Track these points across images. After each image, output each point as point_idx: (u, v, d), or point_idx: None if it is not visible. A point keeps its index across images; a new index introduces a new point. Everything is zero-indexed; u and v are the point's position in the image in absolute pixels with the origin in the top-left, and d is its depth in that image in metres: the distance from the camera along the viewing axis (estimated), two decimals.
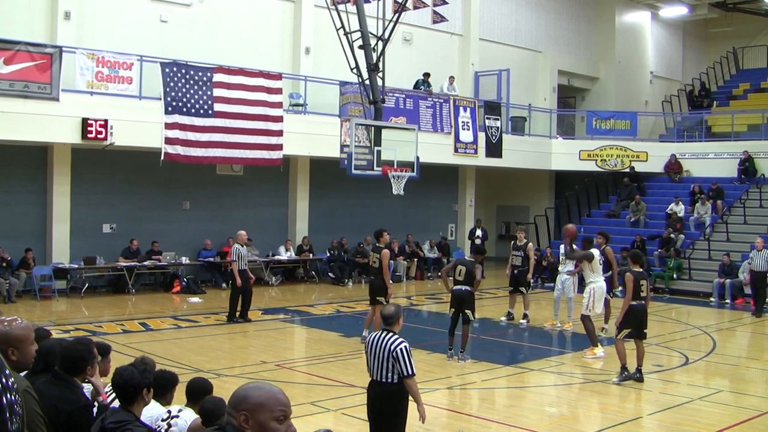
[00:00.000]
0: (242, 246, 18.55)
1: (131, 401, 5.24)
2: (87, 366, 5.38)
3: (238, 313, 18.42)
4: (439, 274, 27.96)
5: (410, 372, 7.87)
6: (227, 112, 21.91)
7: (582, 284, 17.75)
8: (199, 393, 6.80)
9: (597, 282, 15.85)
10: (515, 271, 19.37)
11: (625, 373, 13.25)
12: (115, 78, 20.29)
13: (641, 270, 13.65)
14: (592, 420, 11.58)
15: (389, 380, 7.96)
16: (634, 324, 13.25)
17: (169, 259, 23.21)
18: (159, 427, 6.26)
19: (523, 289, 19.17)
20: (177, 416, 6.29)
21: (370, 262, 16.49)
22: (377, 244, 16.27)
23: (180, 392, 7.07)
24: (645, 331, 13.50)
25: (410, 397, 8.17)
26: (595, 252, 16.16)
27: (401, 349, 7.88)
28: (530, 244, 19.75)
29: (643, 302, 13.34)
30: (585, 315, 15.67)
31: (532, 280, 19.67)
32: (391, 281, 16.58)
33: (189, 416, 6.30)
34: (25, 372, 5.10)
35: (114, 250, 22.55)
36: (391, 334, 8.07)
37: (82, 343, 5.65)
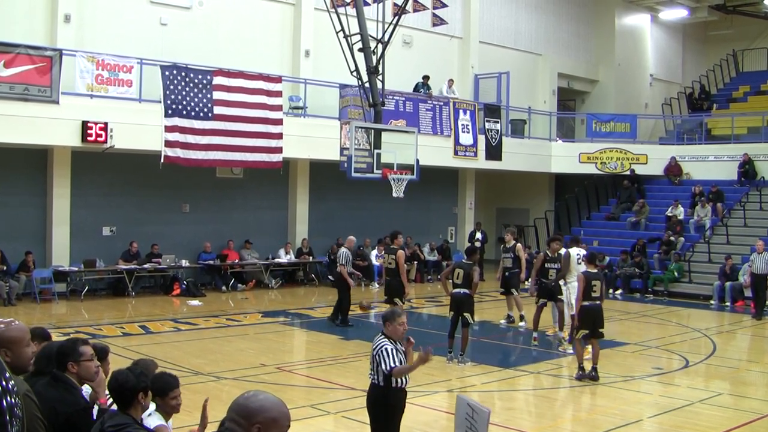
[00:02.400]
0: (349, 250, 18.30)
1: (128, 405, 5.22)
2: (69, 362, 5.34)
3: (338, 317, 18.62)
4: (439, 277, 28.10)
5: (389, 367, 7.82)
6: (227, 115, 21.91)
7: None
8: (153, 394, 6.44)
9: (571, 281, 16.02)
10: (506, 273, 19.34)
11: (580, 372, 13.55)
12: (115, 81, 20.31)
13: (595, 271, 13.79)
14: (592, 423, 11.57)
15: (377, 381, 7.96)
16: (589, 324, 13.49)
17: (168, 261, 23.17)
18: None
19: (513, 290, 19.14)
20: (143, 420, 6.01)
21: (385, 264, 16.73)
22: (392, 246, 16.56)
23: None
24: (601, 330, 13.66)
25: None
26: (572, 251, 16.36)
27: (380, 352, 7.89)
28: (519, 244, 19.67)
29: (597, 302, 13.47)
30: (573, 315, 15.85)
31: (529, 281, 19.57)
32: (375, 282, 16.80)
33: (152, 422, 5.99)
34: (24, 375, 5.10)
35: (114, 252, 22.55)
36: (381, 336, 8.07)
37: (68, 340, 5.65)
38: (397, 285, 16.34)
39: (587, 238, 28.05)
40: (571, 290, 15.85)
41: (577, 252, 16.33)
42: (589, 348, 14.79)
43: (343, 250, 18.48)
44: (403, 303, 16.35)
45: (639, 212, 29.44)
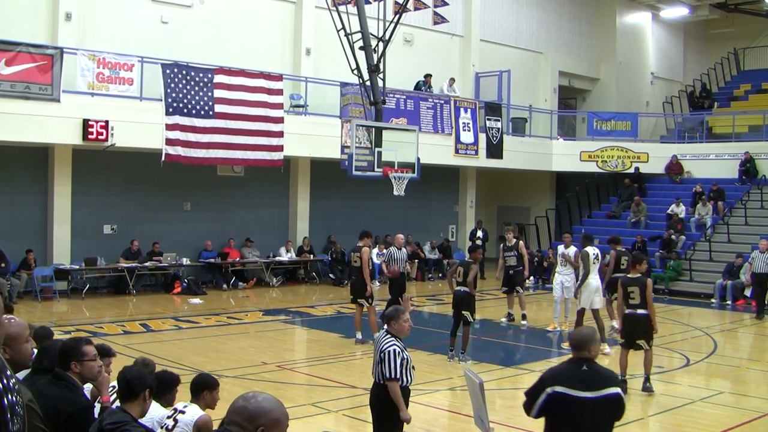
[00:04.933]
0: (398, 249, 17.55)
1: (133, 399, 5.24)
2: (71, 361, 5.35)
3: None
4: (440, 275, 28.14)
5: (391, 375, 7.78)
6: (228, 113, 21.90)
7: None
8: (197, 387, 6.82)
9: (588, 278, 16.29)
10: (510, 272, 19.32)
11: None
12: (115, 79, 20.30)
13: (636, 276, 12.73)
14: None
15: (380, 381, 7.93)
16: (625, 333, 12.84)
17: (169, 260, 23.19)
18: (165, 424, 6.32)
19: (519, 288, 19.15)
20: (183, 411, 6.39)
21: (351, 263, 16.56)
22: (358, 244, 16.44)
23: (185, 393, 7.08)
24: (639, 342, 12.68)
25: (409, 398, 8.16)
26: (590, 250, 16.39)
27: (388, 352, 7.82)
28: (521, 242, 19.71)
29: (637, 311, 12.55)
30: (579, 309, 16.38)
31: (532, 280, 19.62)
32: (376, 281, 16.65)
33: (195, 412, 6.46)
34: (25, 372, 5.11)
35: (115, 251, 22.55)
36: (388, 335, 8.03)
37: (71, 340, 5.67)
38: (362, 284, 16.10)
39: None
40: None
41: (593, 252, 16.48)
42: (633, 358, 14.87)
43: (392, 248, 18.25)
44: (370, 304, 16.16)
45: (636, 211, 29.41)
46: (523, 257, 19.27)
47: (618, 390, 6.31)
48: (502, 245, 19.94)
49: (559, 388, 6.25)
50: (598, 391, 6.20)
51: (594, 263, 16.37)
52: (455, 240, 31.72)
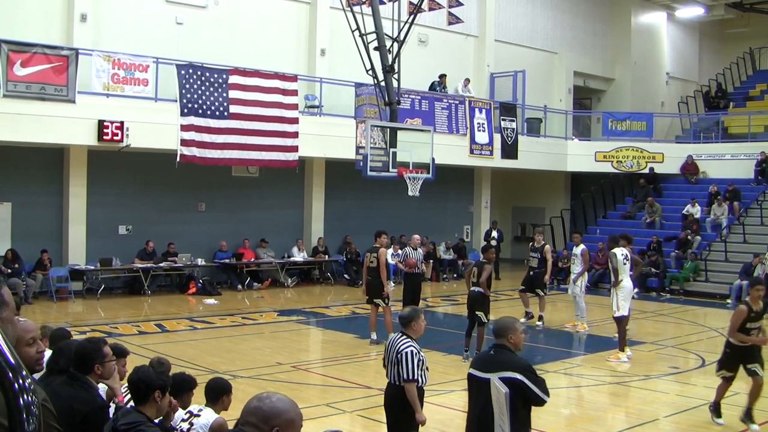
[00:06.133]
0: (414, 249, 17.42)
1: (143, 400, 5.25)
2: (95, 364, 5.36)
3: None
4: (455, 275, 28.14)
5: (408, 376, 7.77)
6: (243, 114, 21.93)
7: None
8: (217, 392, 6.82)
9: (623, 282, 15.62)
10: (531, 273, 19.37)
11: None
12: (131, 80, 20.36)
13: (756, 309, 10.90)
14: (608, 422, 11.53)
15: (396, 382, 7.92)
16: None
17: (184, 260, 23.23)
18: (179, 427, 6.33)
19: (539, 291, 19.13)
20: (198, 415, 6.40)
21: (367, 263, 16.55)
22: (374, 245, 16.41)
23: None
24: (750, 366, 11.20)
25: (424, 398, 8.15)
26: (618, 251, 15.62)
27: (405, 353, 7.80)
28: (547, 246, 19.70)
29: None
30: (617, 317, 15.48)
31: (548, 282, 19.62)
32: (391, 282, 16.63)
33: (210, 415, 6.45)
34: (40, 373, 5.12)
35: (130, 251, 22.61)
36: (403, 336, 8.01)
37: (91, 342, 5.66)
38: (378, 285, 16.09)
39: (603, 237, 28.04)
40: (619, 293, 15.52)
41: (621, 252, 15.59)
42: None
43: (407, 249, 18.20)
44: (386, 304, 16.15)
45: (650, 212, 29.31)
46: (546, 261, 19.19)
47: (515, 375, 6.68)
48: (531, 245, 19.99)
49: (470, 369, 7.01)
50: (493, 373, 6.71)
51: (624, 264, 15.50)
52: (470, 240, 31.67)
